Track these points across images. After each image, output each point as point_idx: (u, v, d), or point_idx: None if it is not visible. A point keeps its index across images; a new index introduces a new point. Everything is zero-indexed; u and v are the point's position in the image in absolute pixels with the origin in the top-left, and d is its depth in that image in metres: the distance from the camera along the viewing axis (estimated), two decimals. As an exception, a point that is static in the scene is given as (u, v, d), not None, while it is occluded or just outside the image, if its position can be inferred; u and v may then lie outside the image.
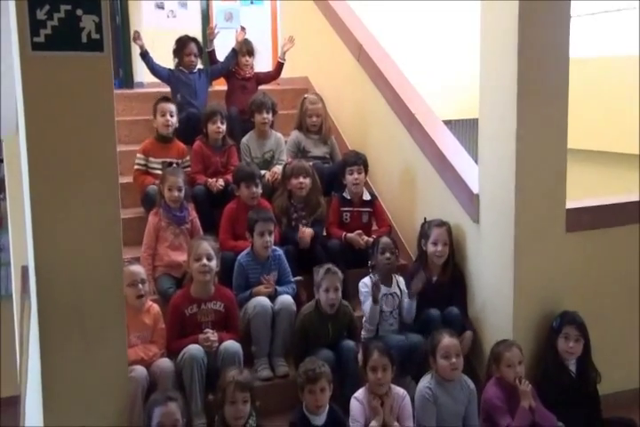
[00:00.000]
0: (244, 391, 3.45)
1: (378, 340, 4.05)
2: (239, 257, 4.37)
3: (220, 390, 3.48)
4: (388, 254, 4.36)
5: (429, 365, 4.11)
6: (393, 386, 3.84)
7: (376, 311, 4.24)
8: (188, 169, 5.00)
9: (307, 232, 4.66)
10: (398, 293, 4.38)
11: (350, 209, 4.95)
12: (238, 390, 3.44)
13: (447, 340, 3.86)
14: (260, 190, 4.68)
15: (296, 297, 4.35)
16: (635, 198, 4.65)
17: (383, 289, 4.31)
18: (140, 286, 3.85)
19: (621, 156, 6.81)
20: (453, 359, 3.83)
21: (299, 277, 4.51)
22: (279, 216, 4.73)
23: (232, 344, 3.91)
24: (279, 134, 5.34)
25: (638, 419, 4.10)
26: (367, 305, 4.25)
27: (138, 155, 5.00)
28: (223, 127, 5.07)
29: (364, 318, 4.31)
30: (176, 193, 4.49)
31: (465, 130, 6.77)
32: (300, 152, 5.32)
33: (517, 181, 4.05)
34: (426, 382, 3.90)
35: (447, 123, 5.20)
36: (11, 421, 5.81)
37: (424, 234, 4.52)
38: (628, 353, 4.54)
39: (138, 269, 3.91)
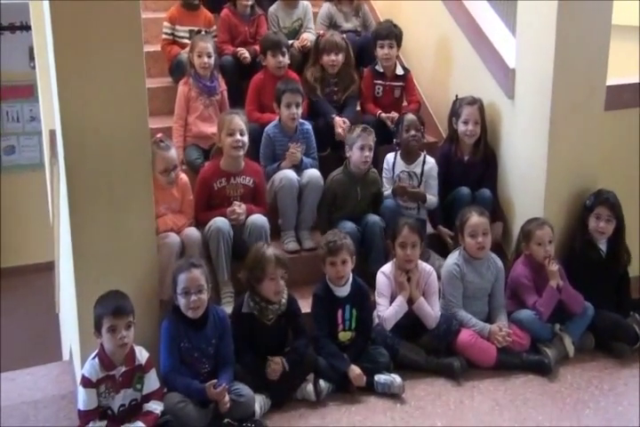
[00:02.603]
0: (283, 268, 3.37)
1: (407, 217, 3.86)
2: (267, 129, 4.14)
3: (259, 267, 3.34)
4: (413, 132, 4.12)
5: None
6: (420, 262, 3.70)
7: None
8: (216, 39, 4.63)
9: (340, 122, 4.34)
10: (418, 172, 4.14)
11: (382, 83, 4.60)
12: (279, 266, 3.36)
13: (475, 218, 3.69)
14: (287, 60, 4.37)
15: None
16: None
17: (402, 166, 4.14)
18: (172, 173, 3.59)
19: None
20: (480, 238, 3.67)
21: None
22: (313, 85, 4.43)
23: (259, 218, 3.76)
24: (306, 2, 4.92)
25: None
26: (386, 181, 4.12)
27: (165, 23, 4.67)
28: (252, -9, 4.68)
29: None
30: (206, 59, 4.19)
31: (503, 1, 6.25)
32: (331, 26, 4.94)
33: (557, 55, 3.75)
34: (454, 258, 3.77)
35: (485, -6, 4.75)
36: (47, 285, 5.82)
37: (455, 112, 4.23)
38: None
39: (172, 155, 3.58)
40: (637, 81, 4.20)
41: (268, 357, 3.32)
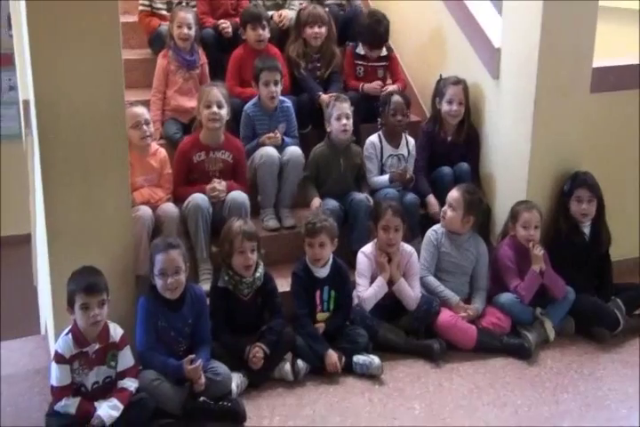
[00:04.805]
0: (251, 241, 3.27)
1: (391, 199, 3.75)
2: (246, 107, 3.99)
3: (227, 241, 3.27)
4: (399, 116, 4.00)
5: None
6: (401, 243, 3.60)
7: None
8: (196, 9, 4.46)
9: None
10: (405, 154, 4.06)
11: (364, 64, 4.44)
12: (246, 239, 3.25)
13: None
14: (267, 33, 4.20)
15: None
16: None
17: (389, 150, 4.03)
18: (145, 126, 3.50)
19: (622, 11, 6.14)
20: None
21: None
22: (296, 61, 4.28)
23: (239, 194, 3.64)
24: (292, -23, 4.75)
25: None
26: (372, 166, 3.99)
27: (141, -6, 4.48)
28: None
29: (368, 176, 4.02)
30: (185, 30, 4.03)
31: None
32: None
33: (543, 36, 3.63)
34: (435, 226, 3.74)
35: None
36: (28, 257, 5.67)
37: (439, 92, 4.12)
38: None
39: (140, 110, 3.54)
40: (623, 63, 4.11)
41: (248, 346, 3.20)
